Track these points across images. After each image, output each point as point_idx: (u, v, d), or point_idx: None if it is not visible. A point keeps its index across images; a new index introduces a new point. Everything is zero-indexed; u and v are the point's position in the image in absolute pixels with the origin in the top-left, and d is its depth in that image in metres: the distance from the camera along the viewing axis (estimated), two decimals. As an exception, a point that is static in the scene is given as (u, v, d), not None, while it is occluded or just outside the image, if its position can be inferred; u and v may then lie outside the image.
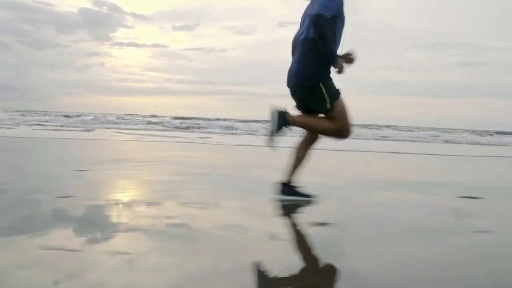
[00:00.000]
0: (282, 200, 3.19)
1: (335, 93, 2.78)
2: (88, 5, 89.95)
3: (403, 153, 11.89)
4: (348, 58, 2.91)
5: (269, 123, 2.82)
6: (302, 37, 2.82)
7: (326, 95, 2.70)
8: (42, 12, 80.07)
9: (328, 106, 2.72)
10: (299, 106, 2.94)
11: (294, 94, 2.87)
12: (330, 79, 2.78)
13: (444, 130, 28.97)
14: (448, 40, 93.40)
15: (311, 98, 2.76)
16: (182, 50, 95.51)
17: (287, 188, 3.08)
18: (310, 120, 2.85)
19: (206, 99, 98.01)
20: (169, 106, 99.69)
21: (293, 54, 2.98)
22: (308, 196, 3.12)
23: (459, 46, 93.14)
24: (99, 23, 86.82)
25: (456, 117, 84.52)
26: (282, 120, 2.78)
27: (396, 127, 31.29)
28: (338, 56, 2.69)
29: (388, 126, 31.34)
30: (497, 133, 27.97)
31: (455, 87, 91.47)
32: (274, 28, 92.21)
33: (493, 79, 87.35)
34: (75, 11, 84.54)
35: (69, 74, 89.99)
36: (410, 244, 2.73)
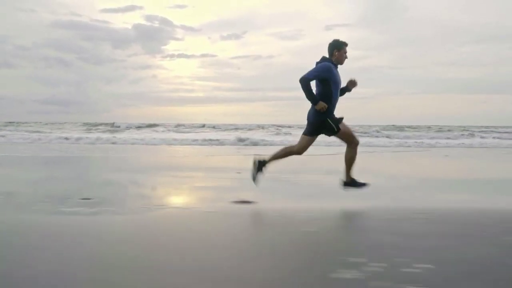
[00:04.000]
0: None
1: (337, 121, 4.17)
2: (141, 21, 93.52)
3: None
4: (352, 83, 4.40)
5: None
6: None
7: (332, 124, 4.13)
8: (99, 29, 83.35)
9: (336, 130, 4.15)
10: (306, 132, 4.30)
11: (309, 125, 4.28)
12: (332, 113, 4.18)
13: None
14: (509, 32, 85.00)
15: (325, 128, 4.18)
16: (230, 59, 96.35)
17: (260, 164, 4.41)
18: (349, 157, 4.30)
19: (255, 105, 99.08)
20: (220, 113, 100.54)
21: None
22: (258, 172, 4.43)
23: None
24: (151, 37, 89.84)
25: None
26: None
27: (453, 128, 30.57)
28: (319, 99, 4.10)
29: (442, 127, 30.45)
30: None
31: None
32: (321, 32, 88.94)
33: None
34: (129, 27, 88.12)
35: (124, 87, 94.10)
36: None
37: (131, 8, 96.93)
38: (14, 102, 75.01)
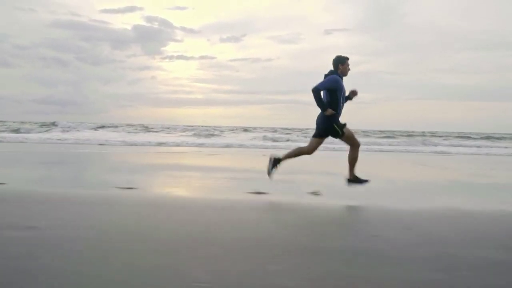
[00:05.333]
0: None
1: (342, 126, 4.78)
2: (141, 22, 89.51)
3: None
4: (353, 92, 5.00)
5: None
6: None
7: (338, 129, 4.76)
8: (98, 30, 79.93)
9: (340, 134, 4.79)
10: (315, 135, 4.94)
11: (318, 129, 4.91)
12: (337, 119, 4.80)
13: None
14: (507, 40, 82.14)
15: (331, 132, 4.81)
16: (229, 61, 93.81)
17: (275, 161, 5.10)
18: (352, 158, 4.93)
19: (253, 108, 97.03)
20: (218, 116, 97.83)
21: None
22: None
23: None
24: (151, 38, 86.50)
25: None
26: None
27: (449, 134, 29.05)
28: (327, 107, 4.75)
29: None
30: None
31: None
32: (320, 36, 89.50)
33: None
34: (129, 28, 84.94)
35: (122, 88, 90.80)
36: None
37: (131, 9, 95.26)
38: (12, 102, 72.08)
